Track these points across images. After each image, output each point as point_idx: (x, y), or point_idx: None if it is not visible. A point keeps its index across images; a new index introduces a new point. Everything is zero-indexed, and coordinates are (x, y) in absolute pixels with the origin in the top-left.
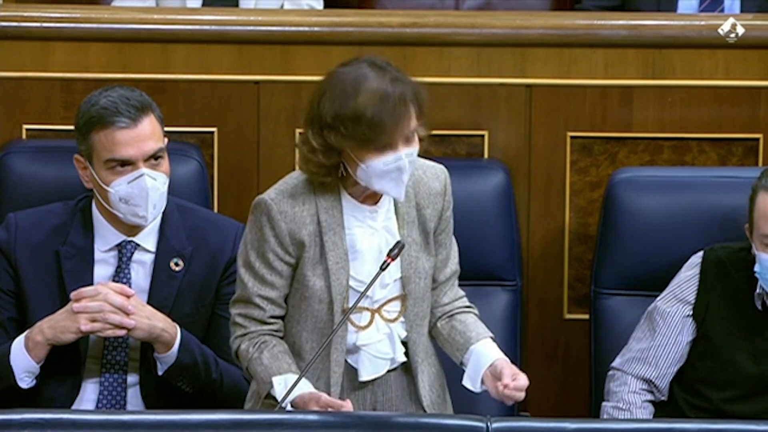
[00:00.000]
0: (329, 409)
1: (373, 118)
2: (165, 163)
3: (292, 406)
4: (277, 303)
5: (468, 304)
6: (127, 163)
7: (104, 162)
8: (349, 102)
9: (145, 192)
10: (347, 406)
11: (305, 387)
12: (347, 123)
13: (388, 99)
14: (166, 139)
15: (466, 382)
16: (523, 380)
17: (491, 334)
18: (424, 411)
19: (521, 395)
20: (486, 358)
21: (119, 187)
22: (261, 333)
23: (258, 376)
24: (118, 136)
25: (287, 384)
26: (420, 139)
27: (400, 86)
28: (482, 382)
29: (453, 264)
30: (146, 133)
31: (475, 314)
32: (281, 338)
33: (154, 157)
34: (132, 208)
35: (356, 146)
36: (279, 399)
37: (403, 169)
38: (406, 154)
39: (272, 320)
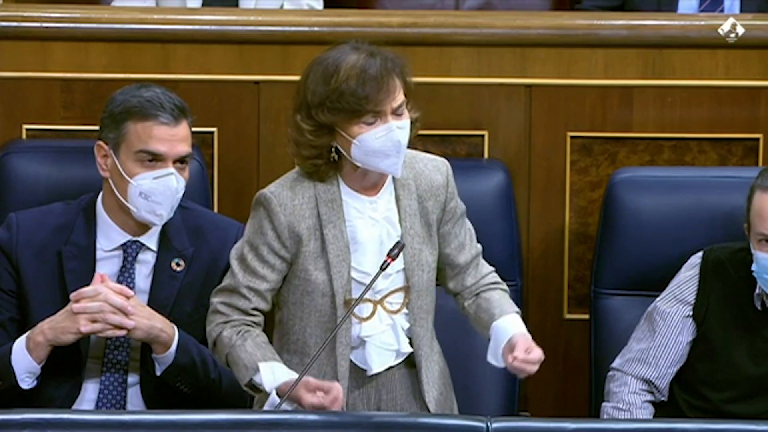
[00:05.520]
0: (319, 393)
1: (357, 88)
2: (188, 170)
3: (278, 394)
4: (263, 296)
5: (495, 280)
6: (157, 159)
7: (135, 153)
8: (331, 78)
9: (171, 191)
10: (336, 387)
11: (289, 376)
12: (332, 96)
13: (369, 68)
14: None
15: (490, 359)
16: (536, 353)
17: (516, 309)
18: (428, 408)
19: (533, 368)
20: (505, 334)
21: (143, 181)
22: (243, 322)
23: (241, 363)
24: (157, 130)
25: (274, 371)
26: (412, 122)
27: (379, 58)
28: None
29: (471, 248)
30: (182, 135)
31: (503, 289)
32: (263, 331)
33: (182, 161)
34: (151, 204)
35: (345, 120)
36: (264, 384)
37: (395, 141)
38: (398, 126)
39: (255, 312)
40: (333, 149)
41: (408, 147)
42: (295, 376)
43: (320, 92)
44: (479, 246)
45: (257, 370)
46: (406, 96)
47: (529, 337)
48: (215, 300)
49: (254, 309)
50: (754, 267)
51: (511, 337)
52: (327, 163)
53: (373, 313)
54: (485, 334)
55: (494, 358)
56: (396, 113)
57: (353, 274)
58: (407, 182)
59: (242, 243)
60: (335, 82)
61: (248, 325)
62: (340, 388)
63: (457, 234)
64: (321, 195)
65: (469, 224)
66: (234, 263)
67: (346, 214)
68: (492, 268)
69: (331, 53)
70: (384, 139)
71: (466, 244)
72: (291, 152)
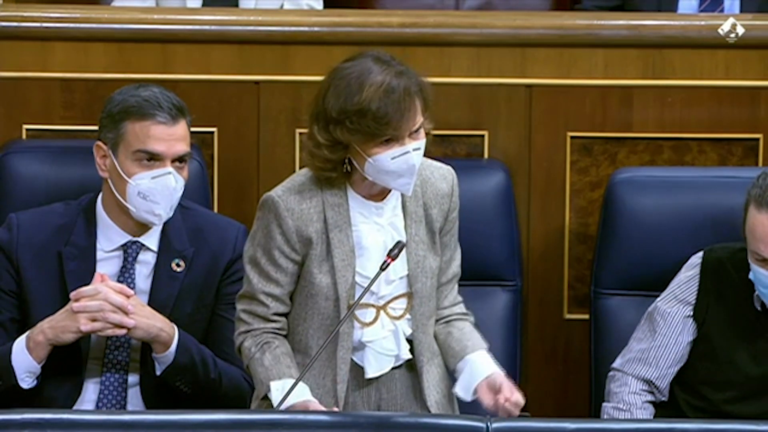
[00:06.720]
0: None
1: (379, 111)
2: (187, 169)
3: None
4: (281, 300)
5: (465, 311)
6: (155, 159)
7: (133, 152)
8: (354, 96)
9: (169, 191)
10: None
11: (301, 394)
12: (353, 117)
13: (393, 92)
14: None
15: (458, 391)
16: (519, 397)
17: (486, 345)
18: (429, 410)
19: (516, 412)
20: (482, 369)
21: (141, 180)
22: (264, 331)
23: (257, 377)
24: (155, 129)
25: (284, 389)
26: (426, 133)
27: (404, 80)
28: (475, 392)
29: (455, 266)
30: (180, 134)
31: (472, 322)
32: (285, 336)
33: (180, 160)
34: (150, 204)
35: (363, 140)
36: (274, 403)
37: (410, 163)
38: (414, 148)
39: (276, 317)
40: (346, 161)
41: None
42: (307, 394)
43: (340, 108)
44: (459, 270)
45: (269, 388)
46: (424, 114)
47: (505, 375)
48: (238, 307)
49: (274, 314)
50: (751, 275)
51: (490, 375)
52: (340, 173)
53: (375, 319)
54: (450, 363)
55: (464, 391)
56: (413, 133)
57: (357, 279)
58: (414, 189)
59: (253, 246)
60: (357, 103)
61: (269, 333)
62: None
63: (451, 248)
64: (328, 199)
65: (458, 244)
66: (248, 268)
67: (352, 219)
68: (461, 299)
69: (354, 66)
70: (399, 161)
71: (453, 261)
72: (304, 160)
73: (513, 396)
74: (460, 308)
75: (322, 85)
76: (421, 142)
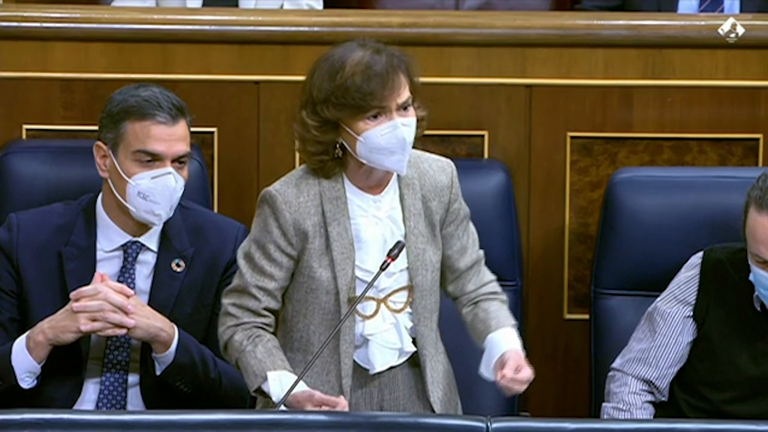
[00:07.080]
0: (324, 407)
1: (362, 84)
2: (187, 169)
3: (285, 405)
4: (273, 295)
5: (494, 290)
6: (155, 159)
7: (133, 152)
8: (336, 75)
9: (169, 191)
10: (342, 403)
11: (299, 385)
12: (338, 93)
13: (375, 65)
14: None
15: (482, 371)
16: (525, 373)
17: (513, 322)
18: (432, 408)
19: (520, 388)
20: (498, 348)
21: (141, 180)
22: (254, 325)
23: (250, 369)
24: (155, 129)
25: (281, 380)
26: (418, 119)
27: (385, 55)
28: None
29: (473, 252)
30: (180, 135)
31: (501, 300)
32: (273, 333)
33: (180, 160)
34: (150, 204)
35: (350, 116)
36: (272, 395)
37: (401, 139)
38: (403, 123)
39: (266, 312)
40: (338, 145)
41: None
42: (303, 386)
43: (326, 88)
44: (481, 252)
45: (266, 378)
46: (412, 93)
47: (522, 354)
48: (226, 301)
49: (264, 309)
50: (751, 277)
51: (504, 352)
52: (332, 159)
53: (376, 312)
54: (480, 345)
55: (486, 370)
56: (401, 110)
57: (357, 272)
58: (412, 182)
59: (249, 242)
60: (341, 78)
61: (259, 327)
62: (346, 404)
63: (460, 237)
64: (326, 192)
65: (472, 228)
66: (241, 263)
67: (351, 212)
68: (493, 277)
69: (337, 50)
70: (389, 136)
71: (468, 248)
72: (297, 148)
73: (513, 373)
74: (489, 288)
75: (307, 73)
76: (410, 120)
